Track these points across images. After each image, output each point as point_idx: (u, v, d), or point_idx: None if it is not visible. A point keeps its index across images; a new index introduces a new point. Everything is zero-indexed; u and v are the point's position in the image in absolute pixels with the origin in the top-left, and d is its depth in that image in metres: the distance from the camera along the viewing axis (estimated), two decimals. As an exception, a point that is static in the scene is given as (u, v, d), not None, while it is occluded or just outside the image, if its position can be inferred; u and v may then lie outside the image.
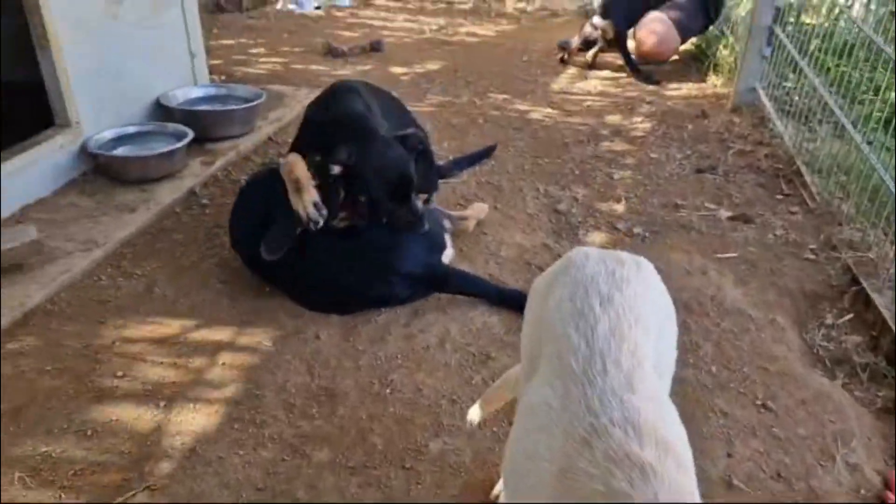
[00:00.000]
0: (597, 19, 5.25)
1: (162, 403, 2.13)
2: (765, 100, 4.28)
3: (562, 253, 2.96)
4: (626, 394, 1.12)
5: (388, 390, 2.21)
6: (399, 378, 2.26)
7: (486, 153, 3.76)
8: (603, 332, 1.21)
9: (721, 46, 5.10)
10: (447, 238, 2.85)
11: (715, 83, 4.98)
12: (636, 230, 3.15)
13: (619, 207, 3.37)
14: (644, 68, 5.16)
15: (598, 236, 3.11)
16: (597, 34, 5.24)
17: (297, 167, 2.54)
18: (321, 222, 2.48)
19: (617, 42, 5.19)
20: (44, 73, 3.13)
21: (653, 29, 5.14)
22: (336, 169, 2.50)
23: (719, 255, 2.94)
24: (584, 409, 1.10)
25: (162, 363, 2.29)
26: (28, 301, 2.48)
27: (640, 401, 1.11)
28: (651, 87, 4.95)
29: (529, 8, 7.51)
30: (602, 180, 3.62)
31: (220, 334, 2.43)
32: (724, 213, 3.28)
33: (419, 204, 2.67)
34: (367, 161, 2.53)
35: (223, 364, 2.30)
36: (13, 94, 4.04)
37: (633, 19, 5.26)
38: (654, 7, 5.25)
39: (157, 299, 2.60)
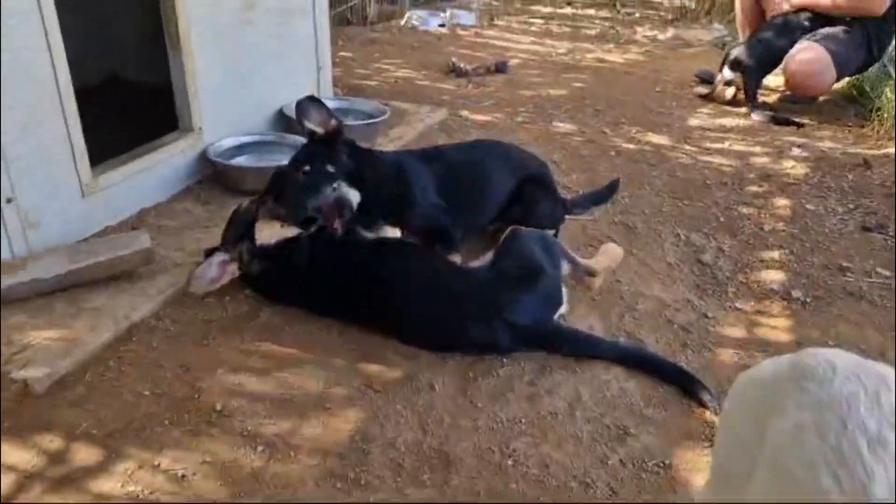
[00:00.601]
0: (727, 72, 4.82)
1: (260, 448, 1.92)
2: (944, 153, 3.75)
3: (707, 312, 2.61)
4: None
5: (509, 461, 1.93)
6: (522, 448, 1.97)
7: (611, 190, 3.43)
8: (882, 493, 0.85)
9: (887, 89, 4.56)
10: (564, 292, 2.49)
11: (877, 129, 4.44)
12: (795, 294, 2.74)
13: (773, 264, 2.96)
14: (793, 106, 4.69)
15: (750, 297, 2.72)
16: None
17: None
18: None
19: (747, 96, 4.74)
20: (172, 76, 3.06)
21: (805, 59, 4.58)
22: None
23: (899, 334, 2.50)
24: None
25: (263, 399, 2.10)
26: (133, 314, 2.35)
27: None
28: (799, 130, 4.47)
29: (661, 36, 7.11)
30: (751, 231, 3.22)
31: (328, 371, 2.22)
32: (901, 283, 2.82)
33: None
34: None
35: (328, 408, 2.08)
36: (139, 95, 4.07)
37: (768, 70, 4.79)
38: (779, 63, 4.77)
39: (262, 324, 2.42)
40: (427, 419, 2.06)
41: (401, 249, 2.55)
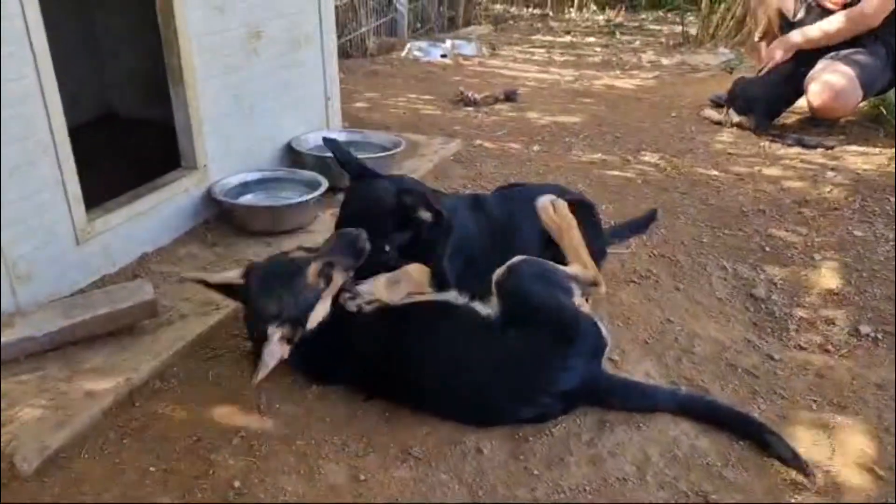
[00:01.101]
0: (734, 115, 4.63)
1: (287, 534, 1.65)
2: None
3: (771, 353, 2.36)
4: None
5: (579, 540, 1.66)
6: (592, 524, 1.70)
7: (648, 220, 3.22)
8: None
9: (918, 107, 4.37)
10: (602, 328, 2.15)
11: (910, 150, 4.25)
12: (863, 329, 2.49)
13: (832, 297, 2.71)
14: (816, 128, 4.49)
15: (815, 335, 2.47)
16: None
17: None
18: None
19: (759, 134, 4.53)
20: (175, 110, 2.84)
21: (829, 81, 4.34)
22: None
23: None
24: None
25: (287, 471, 1.83)
26: (135, 375, 2.09)
27: None
28: (829, 152, 4.26)
29: (666, 62, 6.97)
30: (800, 261, 2.98)
31: (359, 435, 1.95)
32: (976, 314, 2.58)
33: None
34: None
35: (363, 479, 1.81)
36: (137, 132, 3.86)
37: (777, 112, 4.60)
38: (798, 97, 4.59)
39: (281, 383, 2.15)
40: (478, 490, 1.79)
41: (428, 320, 2.12)
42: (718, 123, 4.77)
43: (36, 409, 1.94)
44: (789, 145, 4.36)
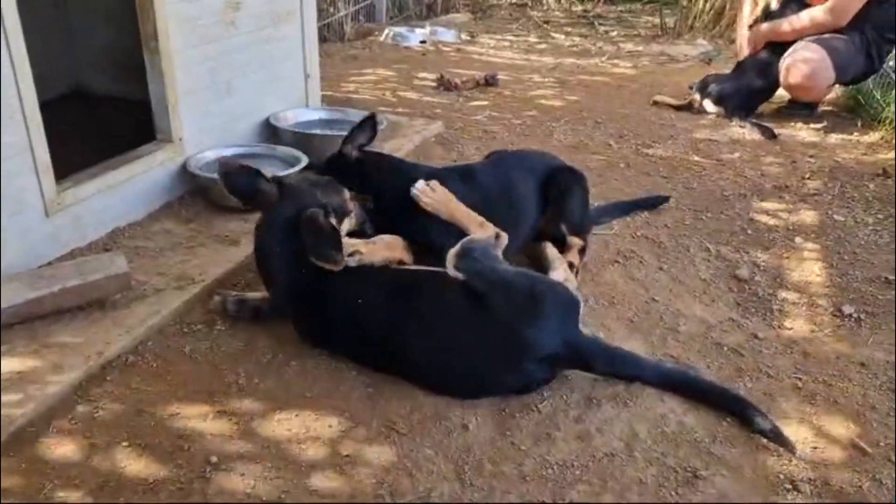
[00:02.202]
0: (708, 104, 4.66)
1: (268, 509, 1.59)
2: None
3: (756, 332, 2.35)
4: None
5: (568, 516, 1.62)
6: (580, 499, 1.67)
7: (655, 203, 3.25)
8: None
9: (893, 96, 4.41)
10: (574, 290, 2.18)
11: (885, 138, 4.28)
12: (846, 310, 2.49)
13: (815, 279, 2.72)
14: (796, 114, 4.54)
15: (798, 316, 2.47)
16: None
17: None
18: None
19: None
20: (150, 81, 2.74)
21: (804, 58, 4.37)
22: None
23: (969, 352, 2.26)
24: None
25: (268, 448, 1.76)
26: (108, 349, 2.00)
27: None
28: (811, 141, 4.28)
29: (646, 52, 6.97)
30: (783, 244, 2.98)
31: (342, 411, 1.89)
32: (956, 296, 2.60)
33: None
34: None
35: (346, 455, 1.75)
36: (108, 107, 3.75)
37: (750, 109, 4.61)
38: (770, 96, 4.67)
39: (259, 359, 2.09)
40: (464, 466, 1.74)
41: (411, 285, 2.10)
42: (678, 108, 4.80)
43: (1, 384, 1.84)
44: (742, 126, 4.42)
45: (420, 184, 2.33)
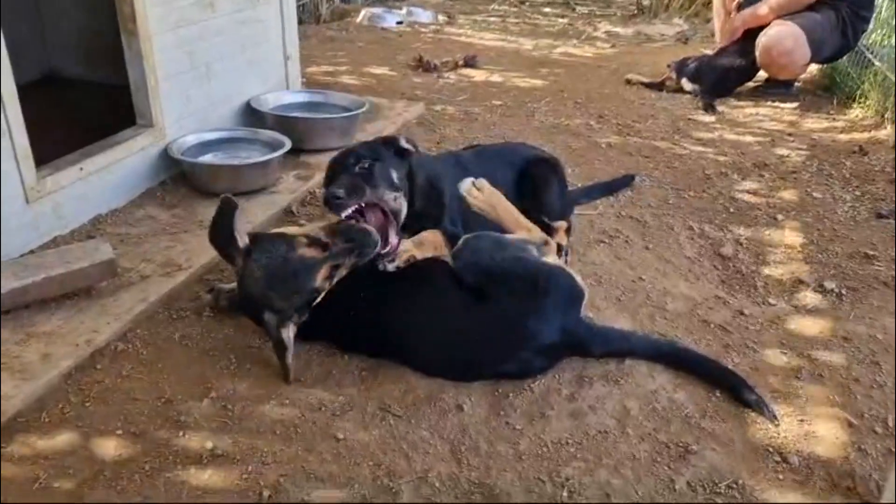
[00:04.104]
0: (686, 83, 4.71)
1: (266, 494, 1.59)
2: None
3: (742, 309, 2.38)
4: None
5: (563, 492, 1.64)
6: (576, 475, 1.69)
7: (624, 183, 3.24)
8: None
9: (871, 76, 4.46)
10: (577, 278, 2.16)
11: (861, 116, 4.34)
12: (828, 285, 2.54)
13: (796, 255, 2.76)
14: (772, 93, 4.61)
15: (782, 292, 2.51)
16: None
17: None
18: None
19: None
20: (128, 64, 2.69)
21: (780, 35, 4.41)
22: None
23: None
24: None
25: (262, 431, 1.76)
26: (96, 337, 1.98)
27: None
28: (789, 119, 4.33)
29: (623, 32, 6.98)
30: (764, 221, 3.03)
31: (335, 394, 1.90)
32: (932, 270, 2.65)
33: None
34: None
35: (342, 439, 1.76)
36: (84, 92, 3.67)
37: (725, 89, 4.66)
38: (748, 79, 4.73)
39: (250, 344, 2.08)
40: (460, 447, 1.75)
41: (413, 278, 2.10)
42: (650, 86, 4.85)
43: (-12, 374, 1.82)
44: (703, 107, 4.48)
45: (467, 183, 2.26)
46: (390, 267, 2.05)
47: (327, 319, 1.99)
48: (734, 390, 1.96)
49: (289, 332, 1.89)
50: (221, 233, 1.89)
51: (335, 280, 1.96)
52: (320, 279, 1.91)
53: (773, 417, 1.88)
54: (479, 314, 1.96)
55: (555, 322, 1.97)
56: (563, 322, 1.99)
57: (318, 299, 1.95)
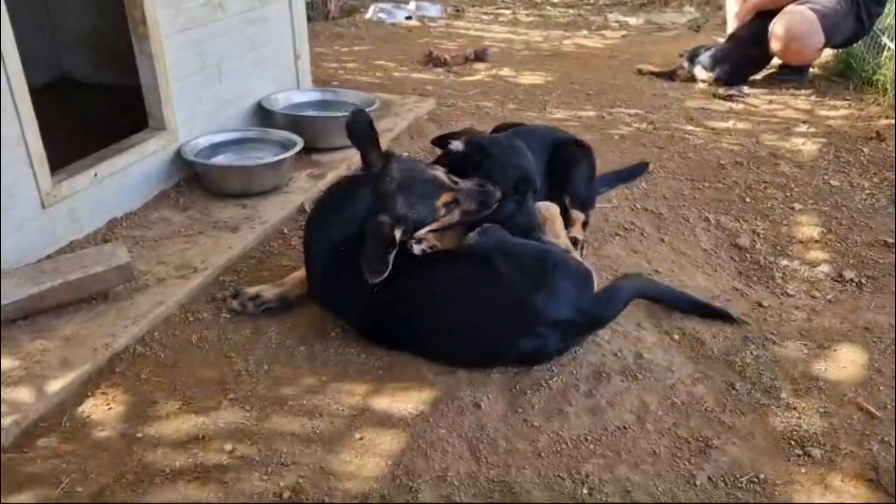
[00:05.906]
0: (700, 71, 4.65)
1: (286, 495, 1.59)
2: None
3: (760, 300, 2.36)
4: None
5: (584, 489, 1.64)
6: (596, 472, 1.68)
7: (638, 171, 3.26)
8: None
9: (887, 60, 4.40)
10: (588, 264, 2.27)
11: (878, 102, 4.28)
12: (847, 275, 2.51)
13: (814, 245, 2.73)
14: (786, 80, 4.60)
15: (801, 282, 2.48)
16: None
17: None
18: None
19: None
20: (139, 67, 2.69)
21: (790, 23, 4.36)
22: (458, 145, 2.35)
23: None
24: None
25: (281, 433, 1.76)
26: (114, 342, 1.99)
27: None
28: (804, 107, 4.28)
29: (633, 21, 6.93)
30: (781, 211, 2.99)
31: (354, 395, 1.90)
32: (955, 258, 2.62)
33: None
34: (491, 155, 2.34)
35: (361, 439, 1.76)
36: (96, 95, 3.69)
37: (741, 77, 4.61)
38: (765, 65, 4.68)
39: (268, 345, 2.09)
40: (479, 445, 1.75)
41: (427, 262, 2.17)
42: (660, 75, 4.80)
43: (9, 380, 1.83)
44: (726, 96, 4.43)
45: (545, 203, 2.48)
46: (416, 249, 2.14)
47: (352, 305, 2.03)
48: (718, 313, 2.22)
49: (396, 234, 1.98)
50: (362, 132, 2.06)
51: (448, 219, 2.11)
52: (441, 202, 2.09)
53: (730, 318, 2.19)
54: (493, 291, 1.99)
55: (566, 297, 1.99)
56: (575, 299, 2.01)
57: (428, 229, 2.10)
